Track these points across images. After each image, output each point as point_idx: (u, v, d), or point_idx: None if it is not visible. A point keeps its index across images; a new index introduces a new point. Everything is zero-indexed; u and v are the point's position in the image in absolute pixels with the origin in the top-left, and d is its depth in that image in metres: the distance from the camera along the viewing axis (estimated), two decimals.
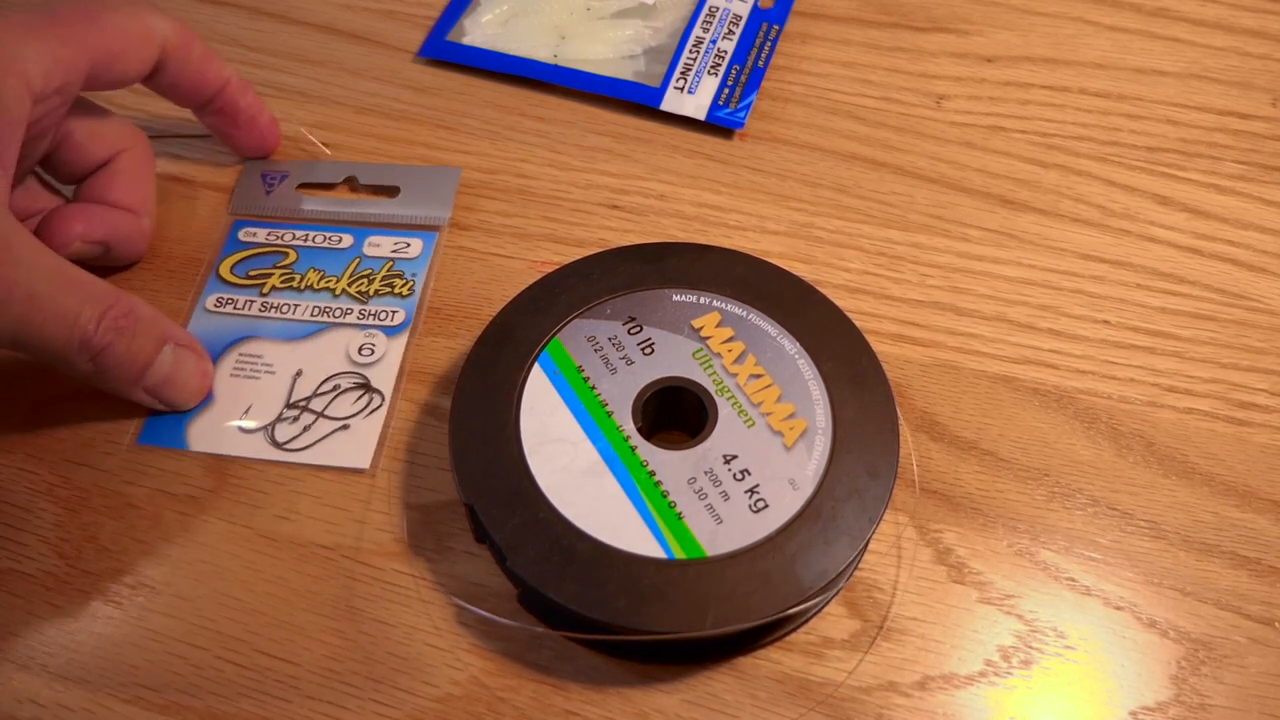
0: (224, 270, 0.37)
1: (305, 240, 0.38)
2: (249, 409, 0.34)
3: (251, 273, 0.37)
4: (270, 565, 0.31)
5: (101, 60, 0.32)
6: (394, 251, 0.37)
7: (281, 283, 0.37)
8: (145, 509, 0.32)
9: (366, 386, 0.34)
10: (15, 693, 0.29)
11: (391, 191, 0.39)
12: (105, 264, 0.36)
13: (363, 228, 0.38)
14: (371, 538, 0.32)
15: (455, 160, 0.41)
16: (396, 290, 0.36)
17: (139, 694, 0.29)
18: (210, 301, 0.36)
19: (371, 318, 0.36)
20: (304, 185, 0.40)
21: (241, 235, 0.38)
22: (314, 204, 0.39)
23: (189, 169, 0.41)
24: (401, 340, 0.35)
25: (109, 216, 0.35)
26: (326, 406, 0.34)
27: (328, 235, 0.38)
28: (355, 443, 0.33)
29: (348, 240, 0.38)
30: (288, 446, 0.33)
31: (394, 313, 0.36)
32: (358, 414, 0.34)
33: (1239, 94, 0.44)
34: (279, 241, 0.38)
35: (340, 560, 0.31)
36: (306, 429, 0.33)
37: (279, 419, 0.34)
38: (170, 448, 0.33)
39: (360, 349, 0.35)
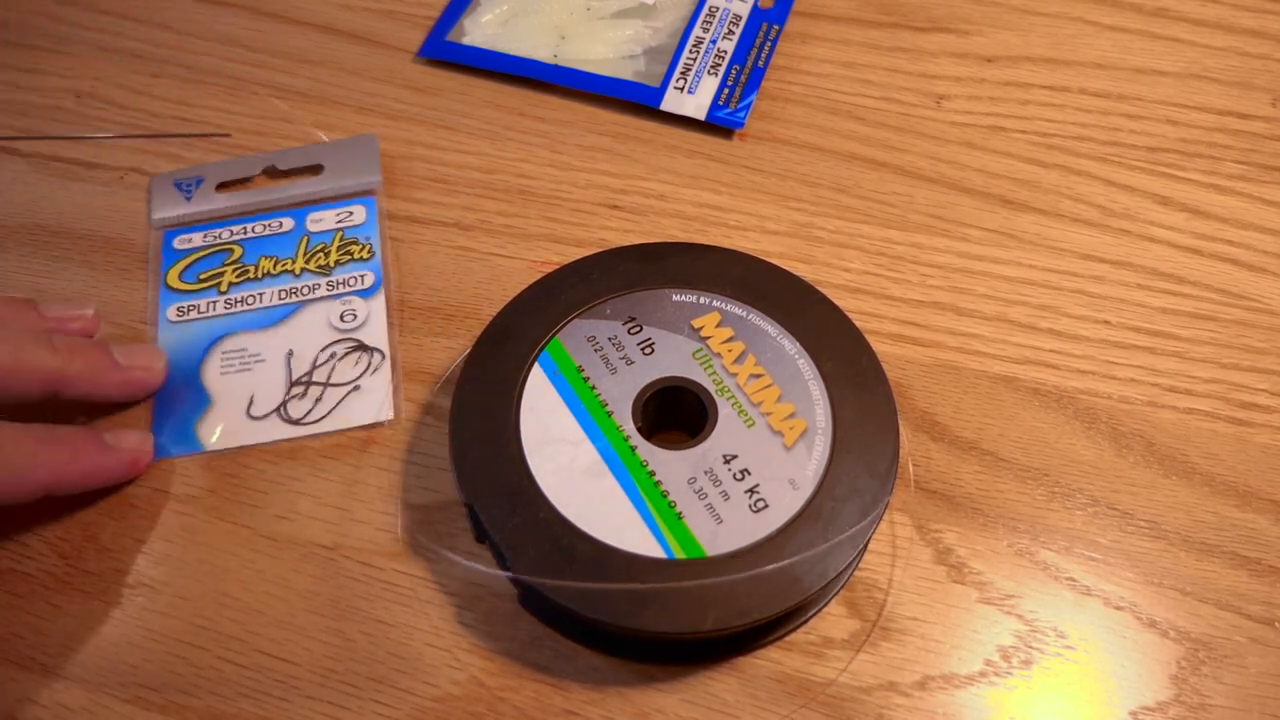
0: (172, 280, 0.37)
1: (246, 233, 0.38)
2: (253, 398, 0.34)
3: (202, 275, 0.37)
4: (270, 565, 0.31)
5: None
6: (339, 222, 0.38)
7: (237, 277, 0.37)
8: (145, 509, 0.32)
9: (362, 346, 0.35)
10: (15, 693, 0.29)
11: (315, 170, 0.40)
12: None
13: (299, 208, 0.39)
14: (371, 538, 0.32)
15: (455, 160, 0.41)
16: (357, 255, 0.37)
17: (139, 694, 0.29)
18: (171, 313, 0.36)
19: (341, 285, 0.36)
20: (223, 185, 0.39)
21: (177, 244, 0.37)
22: (239, 199, 0.39)
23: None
24: (380, 299, 0.36)
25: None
26: (330, 375, 0.34)
27: (267, 223, 0.38)
28: (370, 399, 0.34)
29: (289, 224, 0.38)
30: (304, 421, 0.34)
31: (362, 276, 0.37)
32: (363, 374, 0.34)
33: (1239, 94, 0.44)
34: (218, 241, 0.38)
35: (340, 560, 0.31)
36: (318, 400, 0.34)
37: (288, 397, 0.34)
38: (186, 454, 0.33)
39: (342, 316, 0.35)
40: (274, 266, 0.37)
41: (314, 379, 0.34)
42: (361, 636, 0.30)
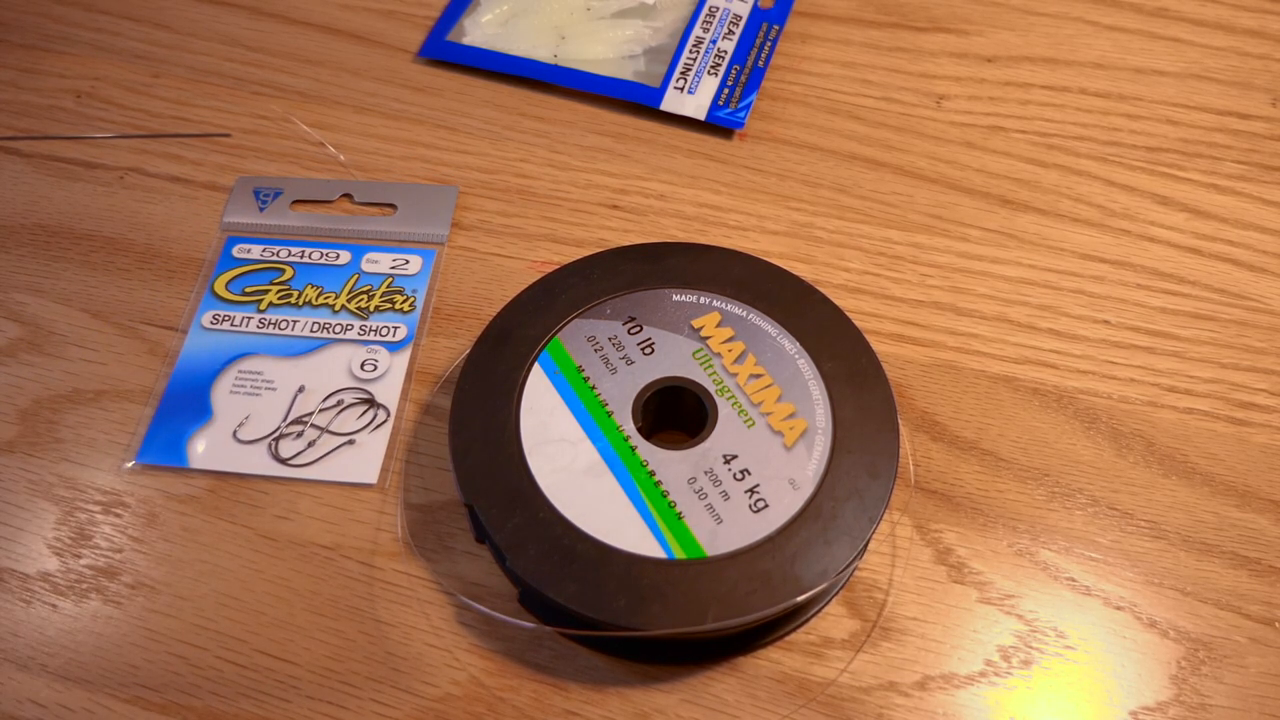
0: (219, 287, 0.37)
1: (302, 256, 0.38)
2: (250, 423, 0.34)
3: (248, 289, 0.37)
4: (270, 565, 0.31)
5: None
6: (393, 268, 0.37)
7: (279, 299, 0.36)
8: (145, 509, 0.32)
9: (371, 402, 0.34)
10: (15, 693, 0.29)
11: (388, 208, 0.39)
12: None
13: (360, 244, 0.38)
14: (371, 538, 0.32)
15: (455, 160, 0.41)
16: (397, 306, 0.36)
17: (139, 694, 0.29)
18: (206, 319, 0.36)
19: (373, 333, 0.36)
20: (298, 202, 0.39)
21: (236, 251, 0.38)
22: (309, 220, 0.39)
23: (188, 169, 0.41)
24: (404, 355, 0.35)
25: None
26: (331, 422, 0.34)
27: (324, 252, 0.38)
28: (363, 457, 0.33)
29: (345, 257, 0.38)
30: (292, 462, 0.33)
31: (396, 328, 0.36)
32: (363, 429, 0.34)
33: (1239, 94, 0.44)
34: (274, 258, 0.37)
35: (340, 560, 0.31)
36: (311, 444, 0.33)
37: (281, 434, 0.33)
38: (171, 465, 0.33)
39: (363, 365, 0.35)
40: (317, 297, 0.36)
41: (314, 422, 0.34)
42: (361, 636, 0.30)
